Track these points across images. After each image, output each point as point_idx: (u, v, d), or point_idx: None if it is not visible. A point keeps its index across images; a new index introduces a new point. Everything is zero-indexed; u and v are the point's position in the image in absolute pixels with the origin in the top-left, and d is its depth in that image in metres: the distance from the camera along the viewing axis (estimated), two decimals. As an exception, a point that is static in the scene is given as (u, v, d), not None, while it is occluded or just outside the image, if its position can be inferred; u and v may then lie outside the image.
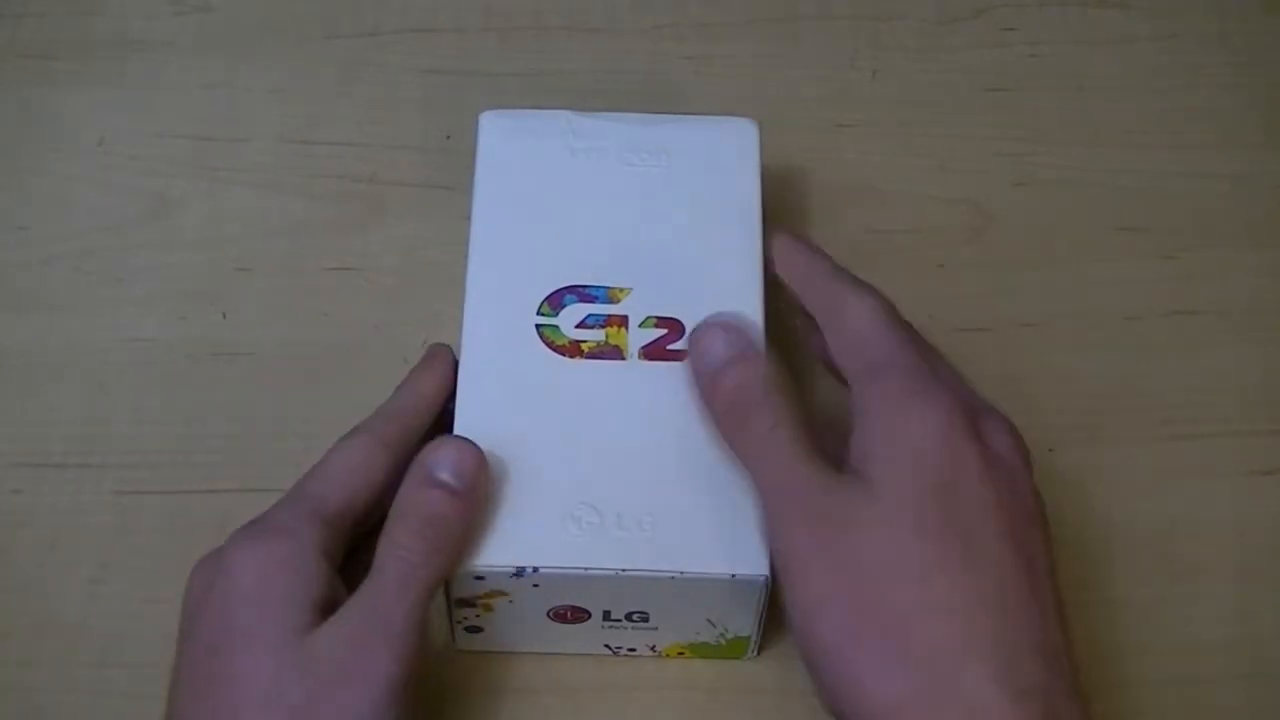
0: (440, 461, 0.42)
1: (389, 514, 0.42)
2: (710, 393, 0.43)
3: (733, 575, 0.42)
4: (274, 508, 0.43)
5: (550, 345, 0.45)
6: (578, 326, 0.45)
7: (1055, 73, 0.58)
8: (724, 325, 0.43)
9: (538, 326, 0.45)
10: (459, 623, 0.45)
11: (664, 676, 0.47)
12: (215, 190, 0.55)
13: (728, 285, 0.46)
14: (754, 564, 0.42)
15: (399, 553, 0.41)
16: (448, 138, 0.56)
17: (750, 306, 0.46)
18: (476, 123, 0.49)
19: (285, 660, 0.39)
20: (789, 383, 0.42)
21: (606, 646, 0.46)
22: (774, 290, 0.46)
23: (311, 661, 0.39)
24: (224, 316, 0.53)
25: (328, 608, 0.41)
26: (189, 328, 0.52)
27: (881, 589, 0.38)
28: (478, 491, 0.42)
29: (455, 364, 0.46)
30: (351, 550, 0.44)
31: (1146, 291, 0.54)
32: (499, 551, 0.42)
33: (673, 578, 0.42)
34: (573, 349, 0.45)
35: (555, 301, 0.46)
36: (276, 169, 0.55)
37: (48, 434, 0.51)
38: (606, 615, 0.44)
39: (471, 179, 0.47)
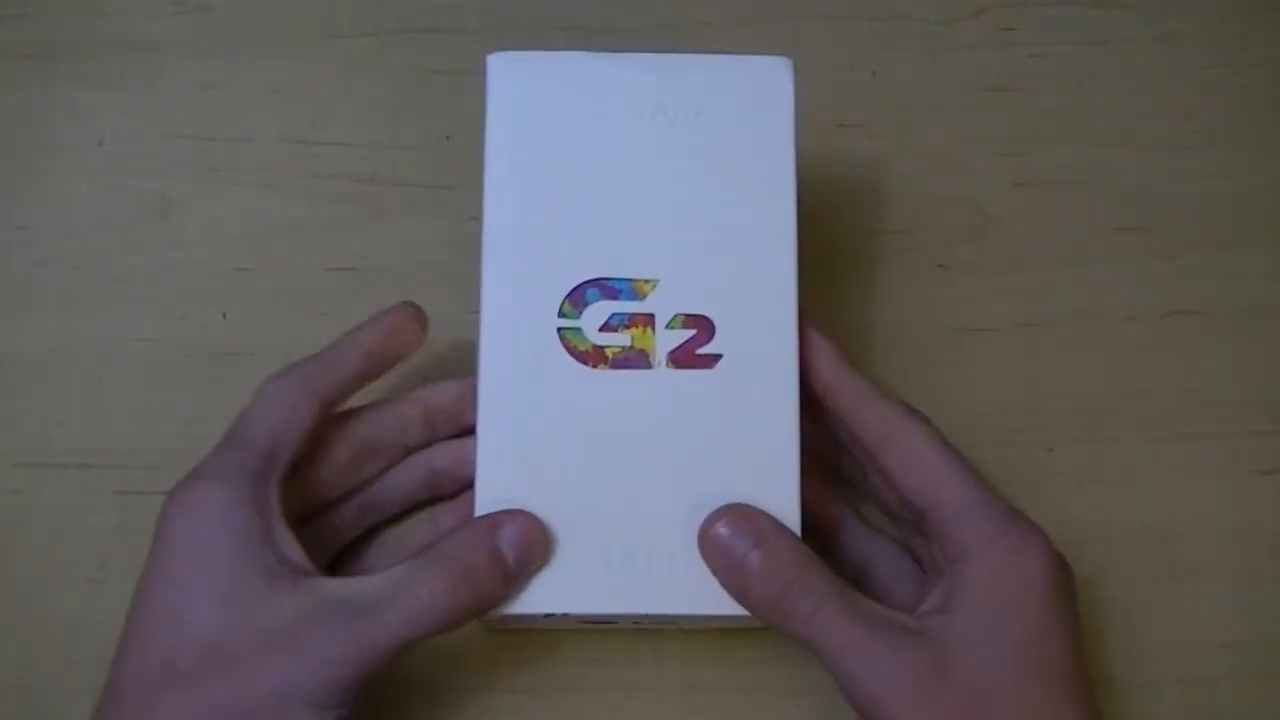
0: (509, 533, 0.42)
1: (435, 537, 0.42)
2: (739, 591, 0.42)
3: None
4: (208, 457, 0.43)
5: (573, 352, 0.43)
6: (601, 329, 0.43)
7: (1055, 73, 0.58)
8: (730, 516, 0.42)
9: (559, 330, 0.43)
10: (486, 623, 0.44)
11: (665, 676, 0.47)
12: (215, 190, 0.55)
13: (759, 266, 0.44)
14: None
15: (419, 587, 0.41)
16: (448, 138, 0.56)
17: (783, 289, 0.44)
18: (484, 66, 0.46)
19: (233, 614, 0.40)
20: (807, 550, 0.42)
21: (634, 624, 0.46)
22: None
23: (264, 620, 0.40)
24: (224, 316, 0.53)
25: (276, 558, 0.41)
26: (189, 328, 0.52)
27: None
28: (523, 577, 0.42)
29: (408, 322, 0.46)
30: (315, 512, 0.45)
31: (1146, 291, 0.54)
32: (531, 599, 0.42)
33: (702, 615, 0.42)
34: (596, 355, 0.43)
35: (577, 299, 0.44)
36: (276, 169, 0.55)
37: (48, 434, 0.51)
38: (635, 622, 0.45)
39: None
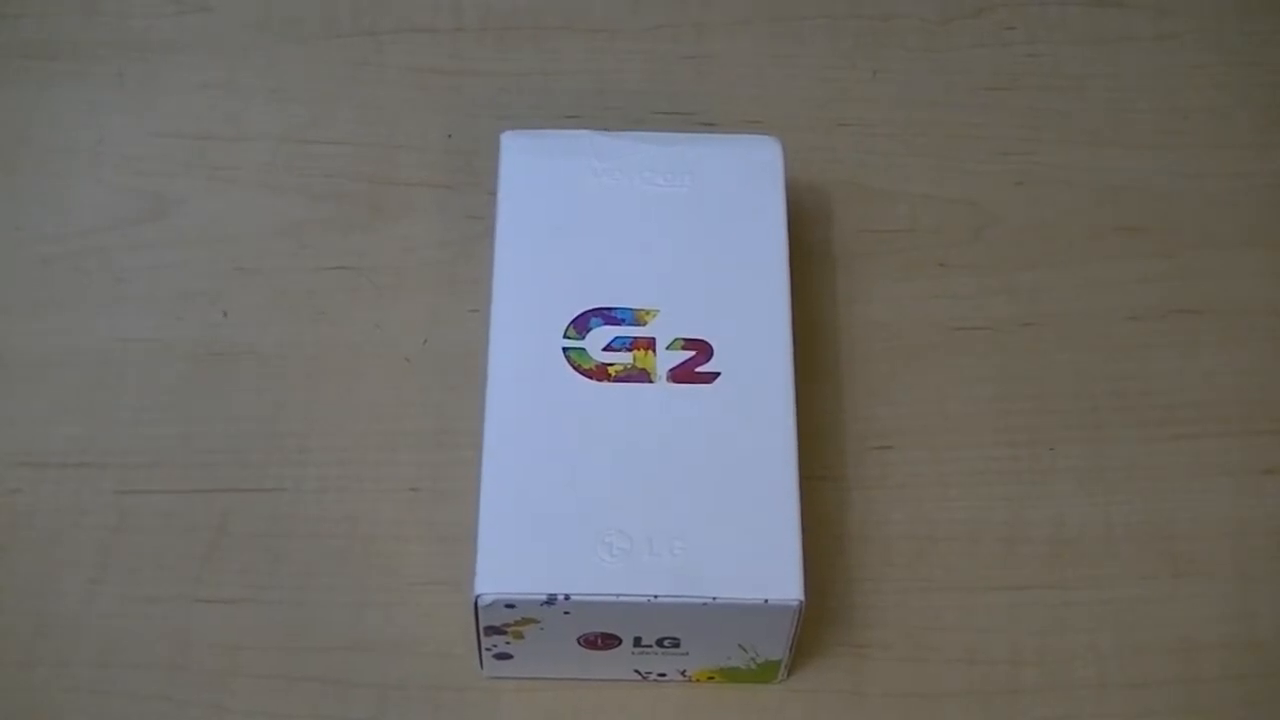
0: None
1: None
2: None
3: (765, 600, 0.42)
4: None
5: (577, 369, 0.45)
6: (604, 350, 0.46)
7: (1055, 73, 0.58)
8: None
9: (564, 350, 0.46)
10: (488, 650, 0.45)
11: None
12: (215, 190, 0.55)
13: (755, 305, 0.47)
14: (787, 588, 0.42)
15: None
16: (448, 137, 0.56)
17: (777, 325, 0.46)
18: (497, 143, 0.50)
19: None
20: None
21: (636, 672, 0.46)
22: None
23: None
24: (224, 316, 0.53)
25: None
26: (189, 328, 0.52)
27: None
28: None
29: None
30: None
31: (1146, 291, 0.54)
32: (530, 579, 0.42)
33: (705, 604, 0.42)
34: (600, 372, 0.45)
35: (581, 325, 0.46)
36: (276, 169, 0.55)
37: (48, 434, 0.51)
38: (637, 641, 0.44)
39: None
